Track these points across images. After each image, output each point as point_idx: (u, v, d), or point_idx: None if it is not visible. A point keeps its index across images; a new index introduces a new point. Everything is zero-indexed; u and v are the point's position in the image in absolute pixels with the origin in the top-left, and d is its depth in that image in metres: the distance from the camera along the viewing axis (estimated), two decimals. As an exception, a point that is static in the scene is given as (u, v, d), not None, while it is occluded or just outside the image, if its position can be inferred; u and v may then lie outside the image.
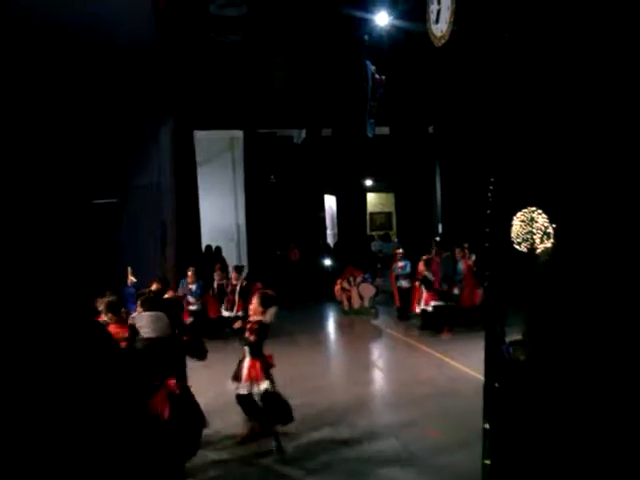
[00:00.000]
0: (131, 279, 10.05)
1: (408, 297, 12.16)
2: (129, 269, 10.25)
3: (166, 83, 13.80)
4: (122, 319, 5.78)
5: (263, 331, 6.03)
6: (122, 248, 12.22)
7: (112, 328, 5.02)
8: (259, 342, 5.96)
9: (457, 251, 11.81)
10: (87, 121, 12.39)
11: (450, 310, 11.21)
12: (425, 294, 11.24)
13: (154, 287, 7.70)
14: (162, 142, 14.38)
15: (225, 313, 11.53)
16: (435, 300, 11.09)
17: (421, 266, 11.44)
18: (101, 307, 5.99)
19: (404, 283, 12.37)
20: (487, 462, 2.44)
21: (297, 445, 5.94)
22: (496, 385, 2.20)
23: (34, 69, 11.35)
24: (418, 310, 11.46)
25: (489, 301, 3.36)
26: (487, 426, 2.47)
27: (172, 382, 4.51)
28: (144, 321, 4.63)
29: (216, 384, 6.43)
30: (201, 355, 5.15)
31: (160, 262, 12.46)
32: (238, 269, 12.32)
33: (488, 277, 3.43)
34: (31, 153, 11.66)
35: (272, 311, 6.14)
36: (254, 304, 6.20)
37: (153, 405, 4.44)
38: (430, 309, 11.12)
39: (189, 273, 11.56)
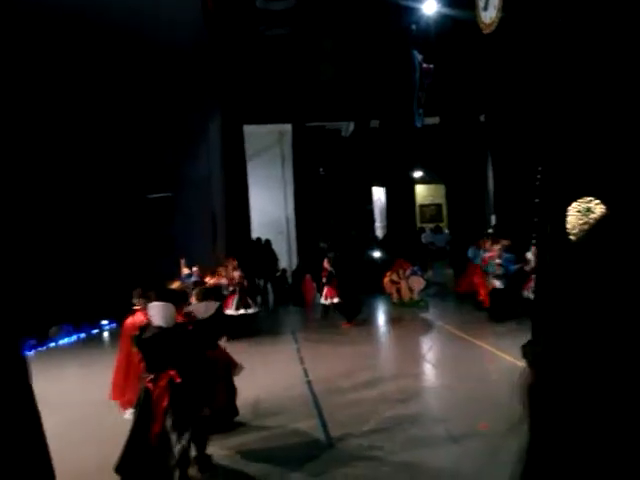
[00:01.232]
0: (184, 270, 10.29)
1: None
2: (182, 261, 10.50)
3: (215, 79, 14.02)
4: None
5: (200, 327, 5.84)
6: (175, 240, 12.55)
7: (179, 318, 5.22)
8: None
9: (484, 241, 11.68)
10: (141, 119, 12.74)
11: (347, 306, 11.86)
12: (326, 289, 12.08)
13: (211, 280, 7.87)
14: (212, 137, 14.65)
15: (241, 311, 11.13)
16: (335, 296, 11.92)
17: (326, 262, 12.22)
18: None
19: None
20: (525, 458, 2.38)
21: (346, 434, 5.97)
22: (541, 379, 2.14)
23: (89, 68, 11.72)
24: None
25: (537, 293, 3.26)
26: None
27: (173, 372, 4.71)
28: (154, 310, 4.83)
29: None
30: (209, 344, 5.27)
31: (211, 254, 12.70)
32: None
33: (537, 268, 3.33)
34: (88, 152, 12.08)
35: (206, 305, 5.90)
36: (194, 300, 6.11)
37: (155, 392, 4.68)
38: (328, 303, 12.11)
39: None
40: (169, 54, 12.22)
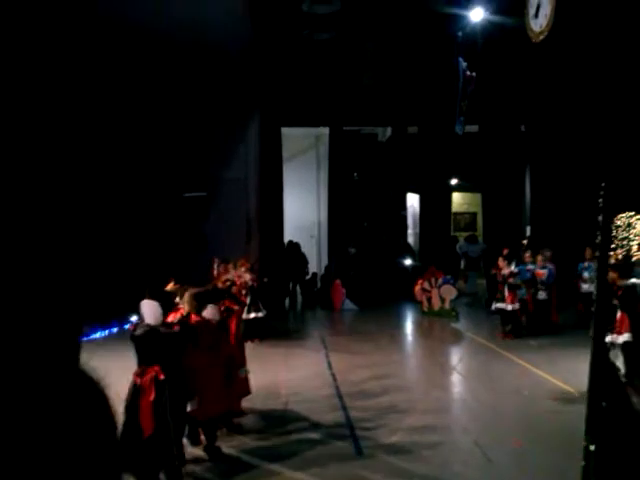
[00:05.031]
0: (217, 270, 10.33)
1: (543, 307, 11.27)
2: (216, 260, 10.56)
3: (256, 80, 14.10)
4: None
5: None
6: (208, 240, 12.64)
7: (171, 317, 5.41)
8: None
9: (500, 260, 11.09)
10: (178, 118, 12.89)
11: None
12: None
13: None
14: (250, 138, 14.73)
15: (252, 315, 10.69)
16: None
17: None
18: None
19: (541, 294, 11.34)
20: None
21: (375, 443, 5.91)
22: (602, 403, 2.08)
23: (129, 69, 11.89)
24: None
25: (598, 310, 3.15)
26: (592, 447, 2.33)
27: (157, 368, 4.87)
28: (144, 308, 5.01)
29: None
30: (192, 343, 5.33)
31: (244, 254, 12.75)
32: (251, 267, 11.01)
33: (598, 284, 3.23)
34: (128, 150, 12.27)
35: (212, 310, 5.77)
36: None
37: (142, 385, 4.85)
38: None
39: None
40: (212, 55, 12.33)
